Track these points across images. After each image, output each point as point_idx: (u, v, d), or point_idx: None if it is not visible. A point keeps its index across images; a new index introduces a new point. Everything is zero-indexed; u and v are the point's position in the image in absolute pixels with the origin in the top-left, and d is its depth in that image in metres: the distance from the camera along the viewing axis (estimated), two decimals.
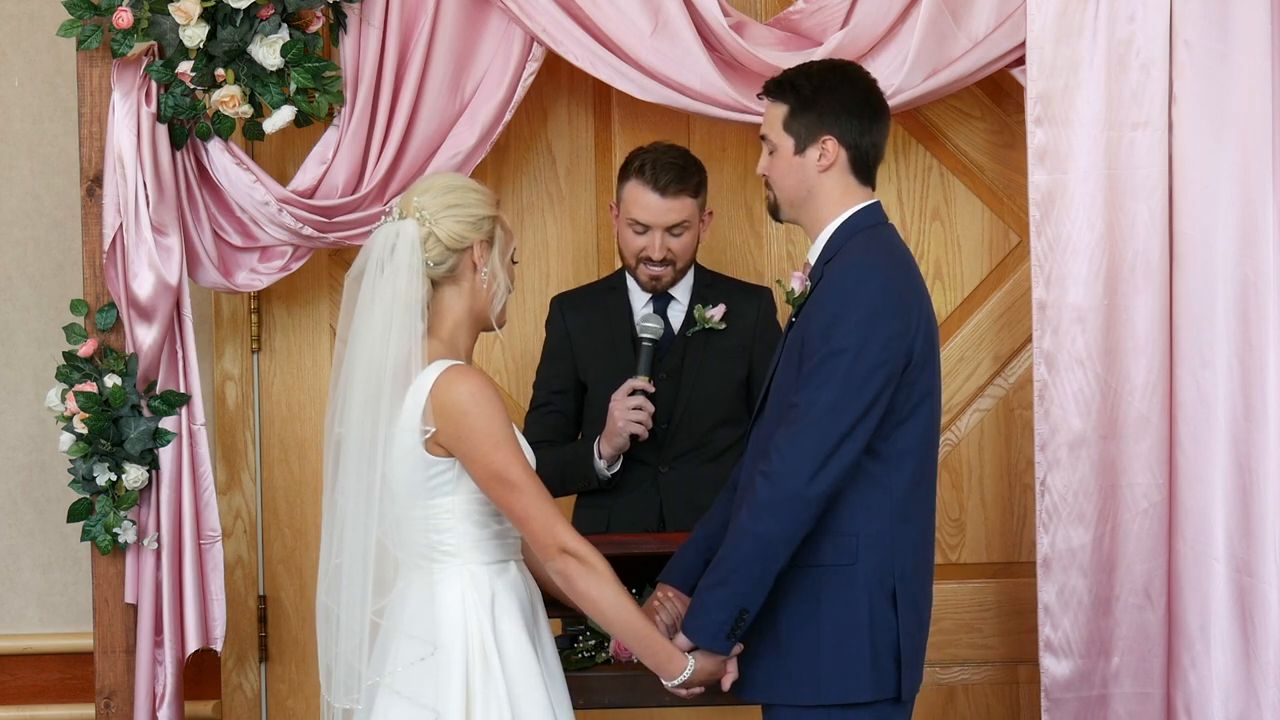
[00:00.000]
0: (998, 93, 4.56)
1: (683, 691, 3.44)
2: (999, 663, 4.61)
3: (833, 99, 3.50)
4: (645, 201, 4.15)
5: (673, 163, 4.16)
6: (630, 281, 4.28)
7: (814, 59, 4.13)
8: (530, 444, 4.27)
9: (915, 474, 3.44)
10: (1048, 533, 4.17)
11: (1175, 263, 4.14)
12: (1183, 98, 4.11)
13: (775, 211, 3.60)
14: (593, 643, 3.83)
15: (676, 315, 4.26)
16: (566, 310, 4.34)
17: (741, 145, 4.61)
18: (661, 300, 4.26)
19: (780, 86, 3.55)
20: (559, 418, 4.30)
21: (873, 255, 3.43)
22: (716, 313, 4.24)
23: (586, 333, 4.29)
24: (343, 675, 3.35)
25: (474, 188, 3.44)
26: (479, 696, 3.31)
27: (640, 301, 4.27)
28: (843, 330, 3.35)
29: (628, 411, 4.12)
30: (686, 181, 4.16)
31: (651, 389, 4.14)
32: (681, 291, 4.27)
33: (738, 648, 3.45)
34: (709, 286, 4.29)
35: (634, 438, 4.14)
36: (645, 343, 4.17)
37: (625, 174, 4.20)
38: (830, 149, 3.49)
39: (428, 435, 3.30)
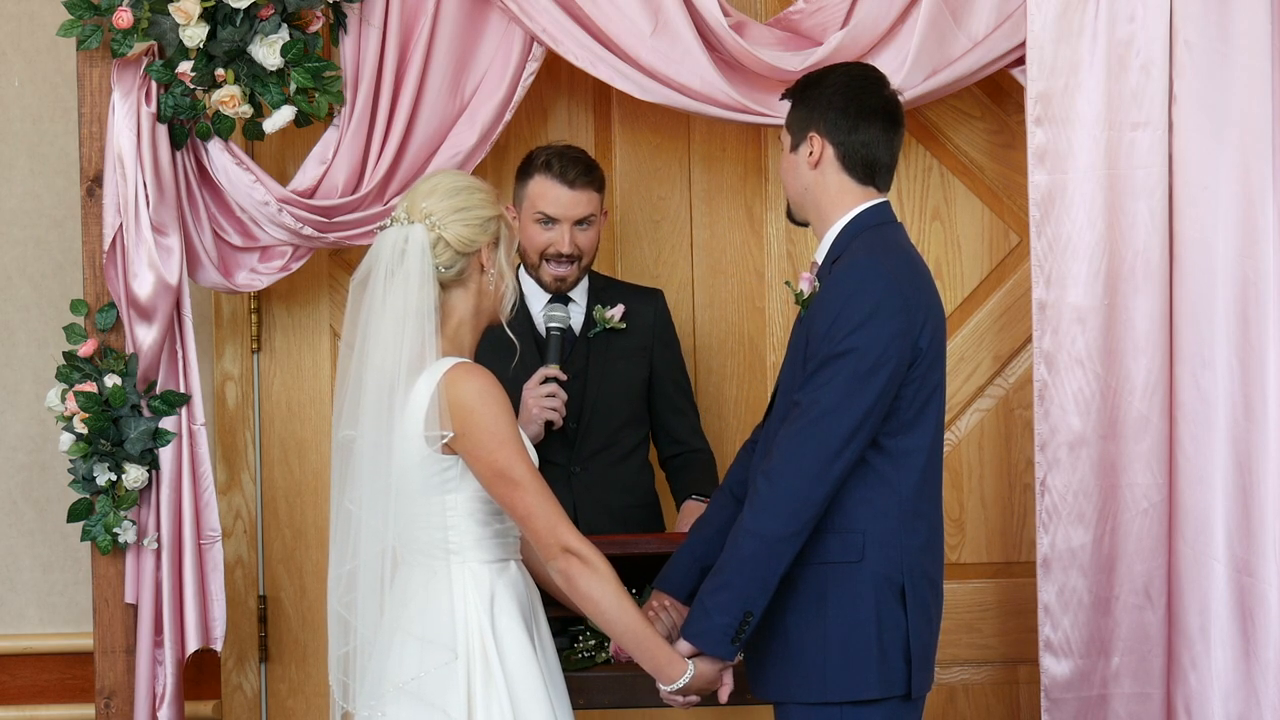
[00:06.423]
0: (998, 93, 4.55)
1: (678, 699, 3.40)
2: (999, 663, 4.60)
3: (819, 95, 3.49)
4: (554, 195, 4.16)
5: (578, 158, 4.20)
6: (527, 285, 4.24)
7: (814, 59, 4.16)
8: None
9: (923, 471, 3.43)
10: (1048, 533, 4.17)
11: (1175, 263, 4.14)
12: (1183, 98, 4.11)
13: (789, 212, 3.60)
14: (593, 643, 3.82)
15: (576, 317, 4.27)
16: None
17: (741, 145, 4.60)
18: (560, 302, 4.25)
19: (792, 85, 3.56)
20: None
21: (875, 254, 3.41)
22: (616, 313, 4.26)
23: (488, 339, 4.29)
24: (372, 682, 3.32)
25: (478, 187, 3.43)
26: (480, 695, 3.30)
27: (538, 304, 4.25)
28: (845, 330, 3.34)
29: (541, 399, 4.12)
30: (592, 175, 4.20)
31: (564, 377, 4.14)
32: (579, 294, 4.28)
33: (737, 658, 3.42)
34: (604, 289, 4.31)
35: (549, 425, 4.14)
36: (553, 332, 4.17)
37: (528, 171, 4.20)
38: (816, 145, 3.48)
39: (445, 440, 3.29)
